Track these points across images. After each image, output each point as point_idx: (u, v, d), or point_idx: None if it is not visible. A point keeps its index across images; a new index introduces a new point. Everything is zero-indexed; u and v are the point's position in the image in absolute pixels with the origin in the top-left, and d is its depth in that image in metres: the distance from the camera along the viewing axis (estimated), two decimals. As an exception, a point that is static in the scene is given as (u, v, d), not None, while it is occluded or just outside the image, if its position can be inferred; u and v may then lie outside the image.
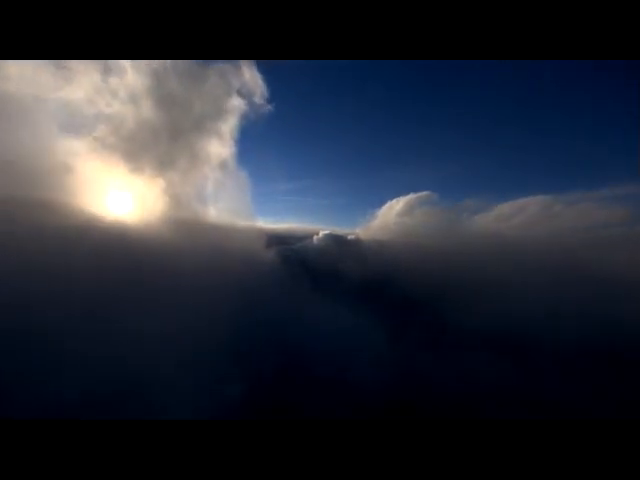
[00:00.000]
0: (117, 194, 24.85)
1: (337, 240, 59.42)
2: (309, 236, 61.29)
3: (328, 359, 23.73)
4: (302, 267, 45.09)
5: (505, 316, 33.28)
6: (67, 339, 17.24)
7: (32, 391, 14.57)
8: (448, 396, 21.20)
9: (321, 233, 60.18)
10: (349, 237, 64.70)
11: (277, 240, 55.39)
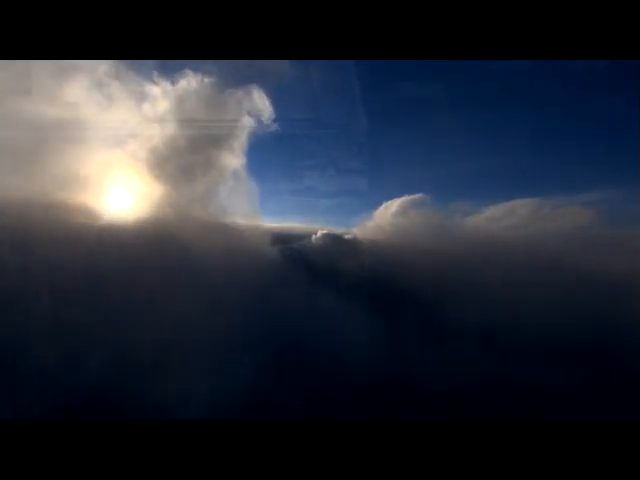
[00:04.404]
0: (141, 197, 29.05)
1: (335, 239, 61.62)
2: (307, 235, 63.26)
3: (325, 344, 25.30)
4: (302, 264, 47.21)
5: (495, 311, 35.64)
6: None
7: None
8: (439, 380, 22.55)
9: (319, 232, 62.25)
10: (346, 237, 66.97)
11: (277, 239, 56.73)
